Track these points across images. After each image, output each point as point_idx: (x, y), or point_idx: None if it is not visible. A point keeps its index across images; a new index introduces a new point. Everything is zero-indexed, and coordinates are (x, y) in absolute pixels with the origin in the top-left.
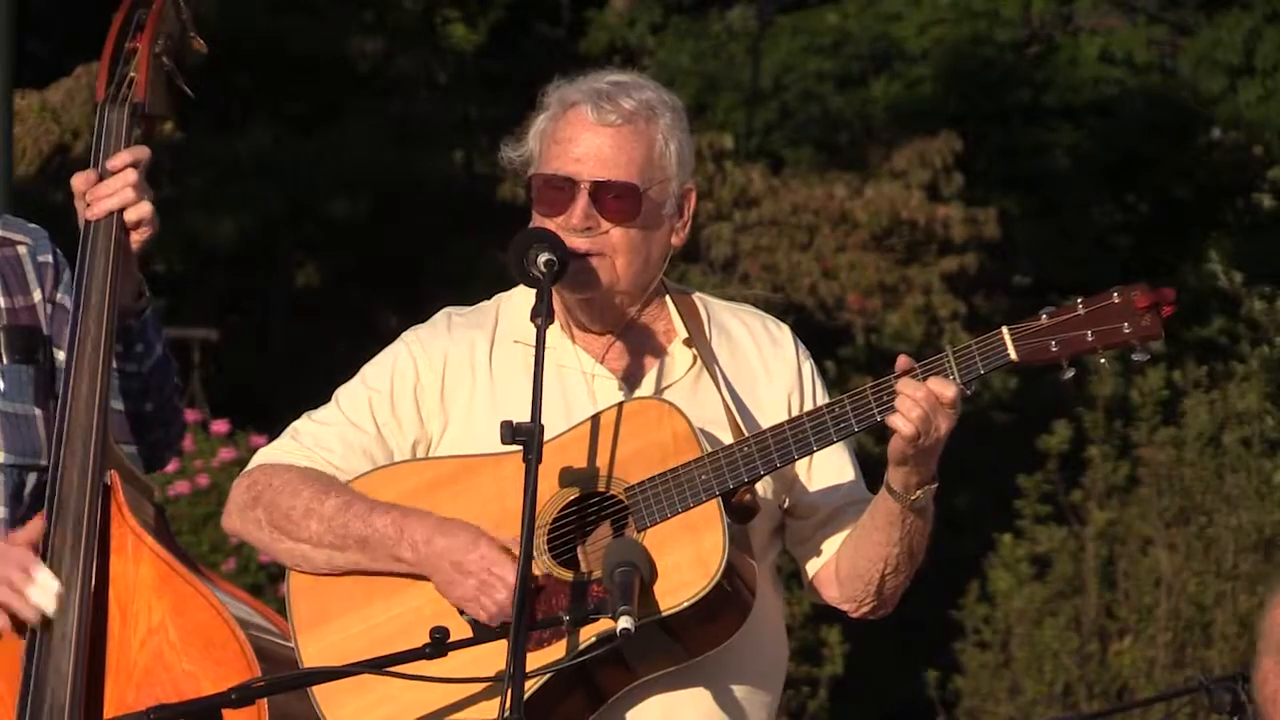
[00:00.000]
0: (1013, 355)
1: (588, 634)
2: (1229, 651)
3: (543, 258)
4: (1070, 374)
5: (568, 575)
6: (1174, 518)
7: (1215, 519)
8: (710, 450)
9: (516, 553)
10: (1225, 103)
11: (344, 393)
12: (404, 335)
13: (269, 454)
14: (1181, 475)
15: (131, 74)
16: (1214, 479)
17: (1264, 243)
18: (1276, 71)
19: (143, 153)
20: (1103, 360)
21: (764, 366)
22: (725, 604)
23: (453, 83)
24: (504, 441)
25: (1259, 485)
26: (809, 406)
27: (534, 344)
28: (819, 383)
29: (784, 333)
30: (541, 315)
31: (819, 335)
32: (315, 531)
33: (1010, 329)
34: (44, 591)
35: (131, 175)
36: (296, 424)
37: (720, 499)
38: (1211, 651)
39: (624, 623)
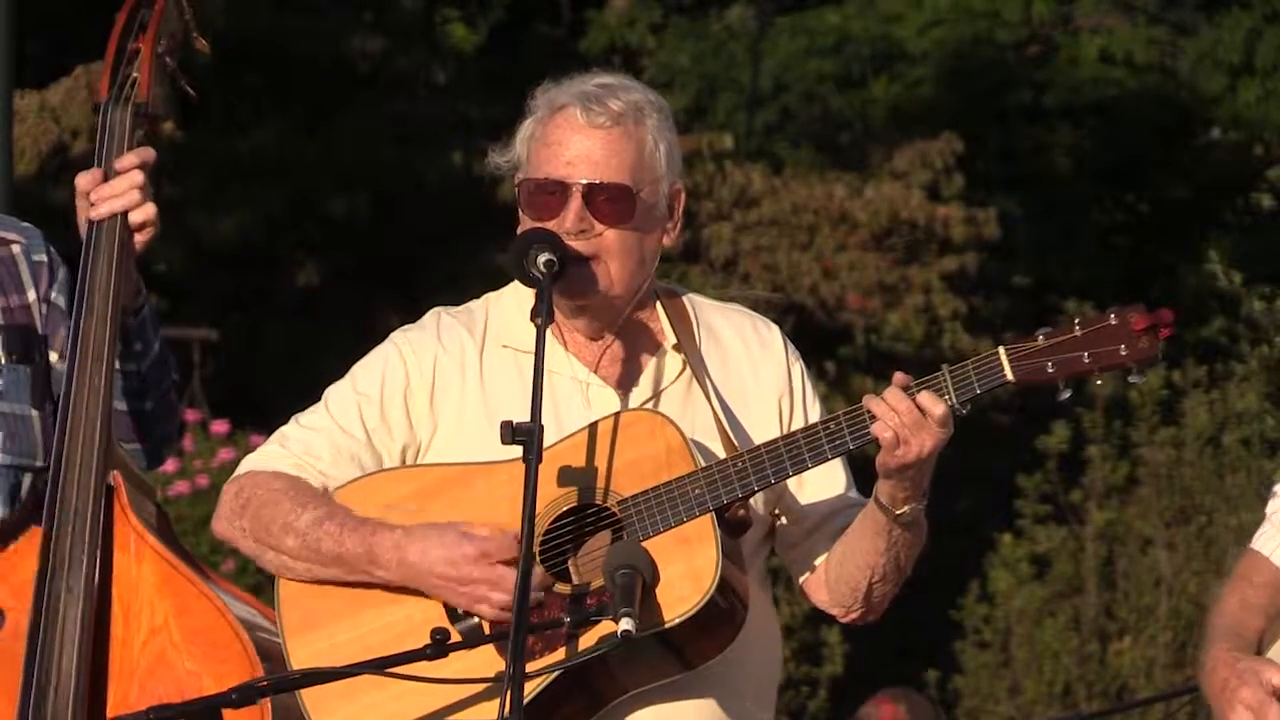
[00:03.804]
0: (1009, 376)
1: (588, 639)
2: None
3: (543, 258)
4: (1067, 395)
5: (563, 588)
6: (1174, 517)
7: (1215, 519)
8: (704, 464)
9: (500, 536)
10: (1225, 103)
11: (333, 396)
12: (393, 336)
13: (257, 460)
14: (1181, 475)
15: (134, 74)
16: (1214, 479)
17: (1264, 243)
18: (1276, 71)
19: (148, 154)
20: (1099, 381)
21: (753, 369)
22: (719, 618)
23: (453, 83)
24: (504, 442)
25: (1259, 485)
26: (799, 409)
27: (523, 348)
28: (808, 384)
29: (773, 333)
30: (542, 315)
31: (819, 335)
32: (292, 546)
33: (1007, 349)
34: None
35: (138, 177)
36: (285, 429)
37: (714, 514)
38: None
39: (625, 624)
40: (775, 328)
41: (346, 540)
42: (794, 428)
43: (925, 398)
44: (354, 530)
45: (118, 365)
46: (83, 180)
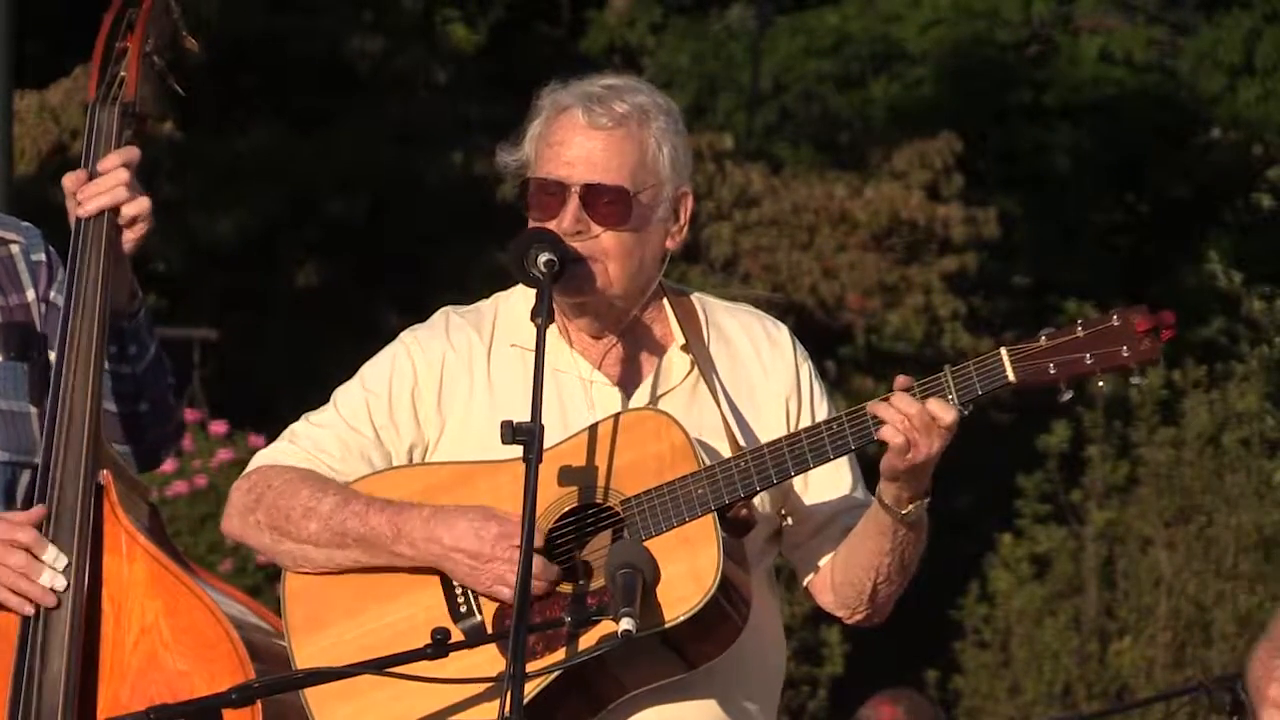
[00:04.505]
0: (1011, 377)
1: (589, 638)
2: (1229, 651)
3: (543, 258)
4: (1068, 396)
5: (565, 587)
6: (1174, 518)
7: (1215, 519)
8: (707, 464)
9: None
10: (1225, 103)
11: (342, 395)
12: (402, 335)
13: (267, 457)
14: (1181, 475)
15: (121, 73)
16: (1214, 479)
17: (1264, 243)
18: (1276, 71)
19: (133, 154)
20: (1101, 384)
21: (762, 369)
22: (721, 618)
23: (453, 83)
24: (504, 441)
25: (1259, 485)
26: (806, 410)
27: (531, 347)
28: (817, 385)
29: (783, 334)
30: (541, 315)
31: (819, 335)
32: (314, 531)
33: (1009, 350)
34: (55, 571)
35: (123, 174)
36: (294, 426)
37: (716, 513)
38: (1211, 651)
39: (625, 624)
40: (784, 328)
41: (373, 519)
42: (803, 428)
43: (935, 405)
44: (380, 510)
45: (112, 367)
46: (69, 181)
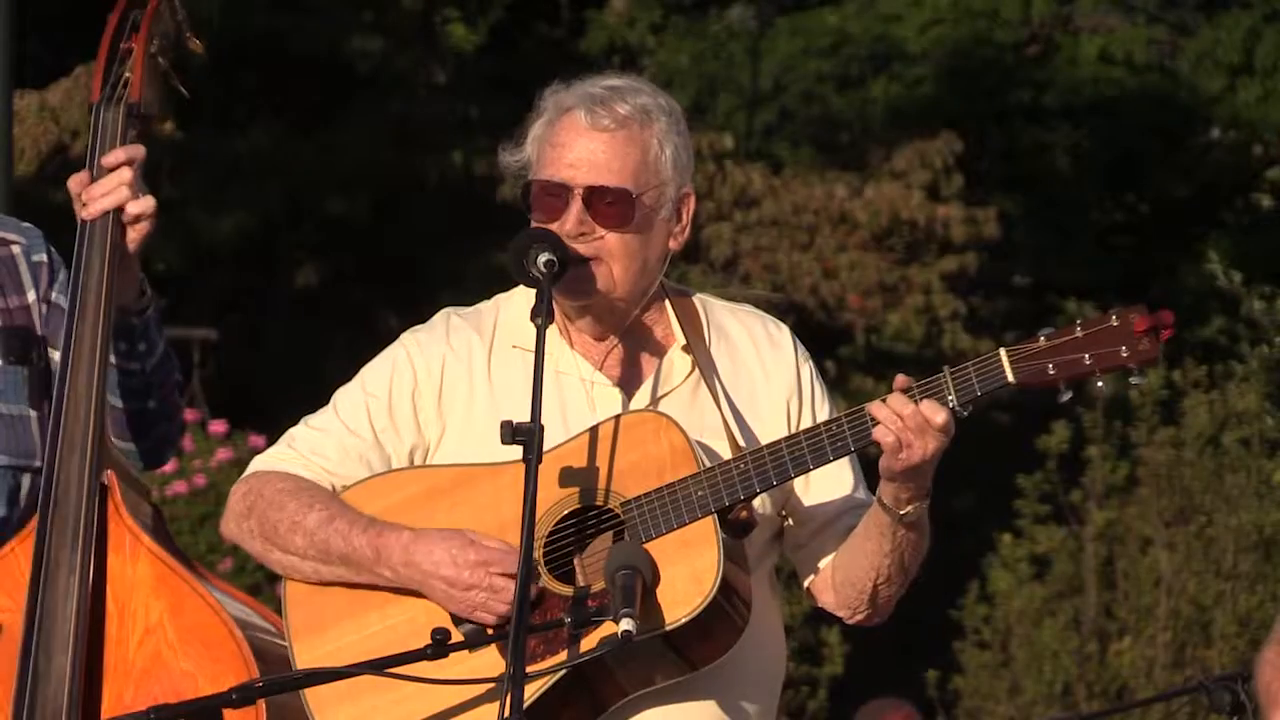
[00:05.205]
0: (1010, 378)
1: (589, 640)
2: (1229, 651)
3: (543, 258)
4: (1067, 397)
5: (565, 589)
6: (1174, 518)
7: (1215, 519)
8: (707, 466)
9: (505, 549)
10: (1225, 102)
11: (342, 397)
12: (403, 337)
13: (265, 461)
14: (1181, 475)
15: (126, 74)
16: (1214, 479)
17: (1264, 243)
18: (1276, 71)
19: (137, 151)
20: (1100, 384)
21: (763, 370)
22: (721, 620)
23: (453, 83)
24: (504, 442)
25: (1259, 485)
26: (807, 411)
27: (532, 348)
28: (818, 385)
29: (784, 335)
30: (541, 316)
31: (819, 335)
32: (300, 545)
33: (1008, 351)
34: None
35: (126, 174)
36: (294, 430)
37: (716, 515)
38: (1211, 651)
39: (625, 625)
40: (786, 329)
41: (355, 540)
42: (802, 429)
43: (927, 406)
44: (363, 530)
45: (122, 364)
46: (74, 183)
